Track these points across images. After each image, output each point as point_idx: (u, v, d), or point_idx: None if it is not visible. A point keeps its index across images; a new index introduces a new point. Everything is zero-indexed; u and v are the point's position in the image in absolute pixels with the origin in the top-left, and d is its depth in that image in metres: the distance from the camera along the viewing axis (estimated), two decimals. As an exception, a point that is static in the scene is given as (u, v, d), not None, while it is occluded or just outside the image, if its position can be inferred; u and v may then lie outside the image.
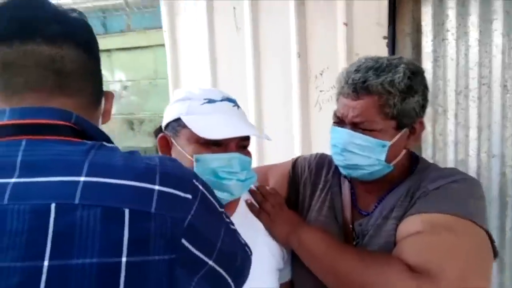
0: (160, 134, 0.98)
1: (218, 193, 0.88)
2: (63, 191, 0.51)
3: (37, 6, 0.62)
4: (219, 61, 2.15)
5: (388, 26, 1.79)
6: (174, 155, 0.95)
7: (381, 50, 1.83)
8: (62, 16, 0.63)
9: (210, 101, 0.93)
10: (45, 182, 0.51)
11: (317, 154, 1.25)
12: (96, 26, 5.15)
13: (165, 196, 0.55)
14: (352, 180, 1.11)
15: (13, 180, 0.51)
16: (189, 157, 0.89)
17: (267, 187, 1.12)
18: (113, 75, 4.98)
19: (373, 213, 1.02)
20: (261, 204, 1.06)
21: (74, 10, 0.67)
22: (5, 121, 0.56)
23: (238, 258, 0.68)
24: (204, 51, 2.14)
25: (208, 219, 0.61)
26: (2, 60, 0.58)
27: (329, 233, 1.02)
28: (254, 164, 2.07)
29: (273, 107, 2.06)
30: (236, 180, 0.89)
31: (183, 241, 0.55)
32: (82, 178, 0.52)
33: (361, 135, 0.95)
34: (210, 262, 0.60)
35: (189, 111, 0.92)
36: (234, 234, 0.69)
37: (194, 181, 0.61)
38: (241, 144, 0.93)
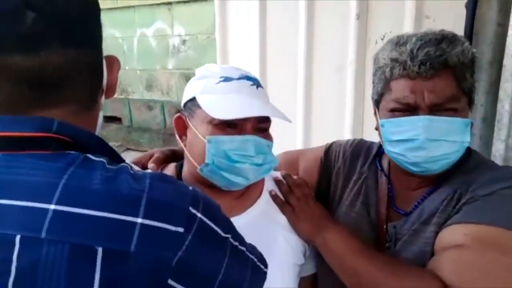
0: (176, 115, 0.92)
1: (232, 177, 0.84)
2: (31, 221, 0.45)
3: None
4: (270, 19, 1.98)
5: (470, -18, 1.49)
6: (189, 136, 0.90)
7: (458, 11, 1.55)
8: (49, 3, 0.50)
9: (226, 79, 0.85)
10: (14, 206, 0.46)
11: (354, 140, 1.10)
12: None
13: (149, 231, 0.47)
14: (391, 174, 0.97)
15: None
16: (202, 138, 0.84)
17: (295, 177, 1.01)
18: (172, 29, 4.95)
19: (411, 215, 0.89)
20: (286, 196, 0.97)
21: None
22: None
23: (246, 282, 0.62)
24: (254, 9, 1.98)
25: (205, 252, 0.53)
26: None
27: (357, 234, 0.91)
28: (299, 145, 1.97)
29: (324, 73, 1.88)
30: (250, 164, 0.83)
31: (170, 281, 0.48)
32: (52, 206, 0.46)
33: (444, 117, 0.81)
34: None
35: (204, 90, 0.86)
36: (241, 256, 0.61)
37: (191, 208, 0.52)
38: (258, 126, 0.86)
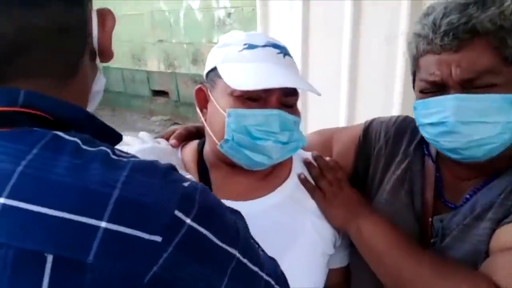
0: (198, 86, 0.85)
1: (254, 156, 0.76)
2: None
3: None
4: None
5: None
6: (209, 109, 0.83)
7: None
8: None
9: (250, 46, 0.77)
10: None
11: (398, 117, 0.96)
12: None
13: (114, 238, 0.39)
14: (439, 160, 0.85)
15: None
16: (222, 112, 0.77)
17: (327, 159, 0.91)
18: (218, 2, 4.87)
19: (462, 208, 0.77)
20: (316, 180, 0.88)
21: None
22: None
23: None
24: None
25: (193, 270, 0.42)
26: None
27: (398, 226, 0.80)
28: (342, 123, 1.83)
29: (372, 44, 1.72)
30: (273, 141, 0.75)
31: None
32: (2, 200, 0.38)
33: (479, 95, 0.69)
34: None
35: (226, 59, 0.78)
36: (250, 277, 0.49)
37: (177, 212, 0.41)
38: (284, 99, 0.77)
